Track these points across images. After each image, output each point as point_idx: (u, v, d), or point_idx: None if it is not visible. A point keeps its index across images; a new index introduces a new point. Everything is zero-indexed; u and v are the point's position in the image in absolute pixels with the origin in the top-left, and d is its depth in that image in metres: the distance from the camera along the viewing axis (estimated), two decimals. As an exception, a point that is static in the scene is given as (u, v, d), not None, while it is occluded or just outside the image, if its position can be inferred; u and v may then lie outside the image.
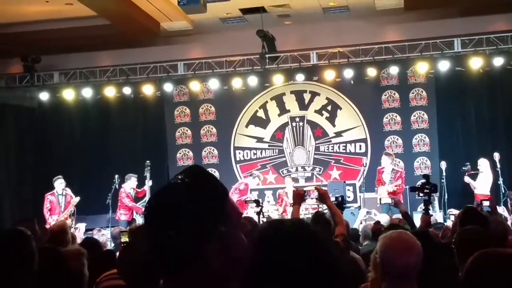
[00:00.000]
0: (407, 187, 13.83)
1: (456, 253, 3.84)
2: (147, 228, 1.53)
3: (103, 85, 15.32)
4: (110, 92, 15.33)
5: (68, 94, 15.40)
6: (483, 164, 12.61)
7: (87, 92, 15.32)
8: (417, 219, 11.24)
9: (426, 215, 5.71)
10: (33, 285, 2.96)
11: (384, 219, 9.26)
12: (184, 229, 1.45)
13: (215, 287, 1.47)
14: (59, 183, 12.92)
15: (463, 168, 12.80)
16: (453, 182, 13.27)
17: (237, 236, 1.50)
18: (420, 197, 6.14)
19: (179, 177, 1.53)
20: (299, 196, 5.49)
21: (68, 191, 12.96)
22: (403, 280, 2.91)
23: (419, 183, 6.45)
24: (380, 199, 12.26)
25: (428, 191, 5.88)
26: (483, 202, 8.21)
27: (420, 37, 13.94)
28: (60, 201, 12.79)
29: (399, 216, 7.83)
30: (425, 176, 6.26)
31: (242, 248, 1.50)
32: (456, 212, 10.35)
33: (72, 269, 3.52)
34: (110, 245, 8.95)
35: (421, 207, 13.82)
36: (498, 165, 12.58)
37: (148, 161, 13.47)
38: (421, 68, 14.06)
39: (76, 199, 12.84)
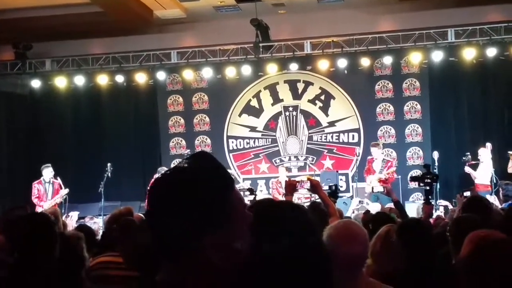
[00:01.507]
0: (400, 177, 13.93)
1: (451, 241, 3.85)
2: (148, 211, 1.49)
3: (96, 73, 15.24)
4: (102, 80, 15.25)
5: (60, 82, 15.31)
6: (483, 153, 12.60)
7: (80, 80, 15.24)
8: (409, 209, 11.31)
9: (428, 204, 5.69)
10: (55, 271, 2.95)
11: (376, 208, 9.27)
12: (184, 217, 1.41)
13: (213, 278, 1.43)
14: (47, 172, 12.82)
15: (463, 158, 12.79)
16: (445, 172, 13.30)
17: (240, 228, 1.45)
18: (421, 187, 6.12)
19: (186, 161, 1.48)
20: (291, 187, 5.46)
21: (58, 180, 12.88)
22: (349, 269, 2.91)
23: (416, 172, 6.47)
24: (372, 188, 12.25)
25: (429, 181, 5.86)
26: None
27: (414, 27, 13.95)
28: (47, 190, 12.72)
29: (390, 205, 7.85)
30: (426, 166, 6.25)
31: (244, 242, 1.46)
32: (445, 203, 10.41)
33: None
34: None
35: (413, 197, 14.02)
36: (491, 155, 12.61)
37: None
38: (415, 58, 14.07)
39: (65, 191, 12.75)
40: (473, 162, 12.69)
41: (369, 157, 13.22)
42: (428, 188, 5.87)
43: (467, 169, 12.70)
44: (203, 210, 1.40)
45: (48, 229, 3.04)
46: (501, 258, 2.19)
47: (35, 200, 12.64)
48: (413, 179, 6.46)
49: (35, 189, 12.73)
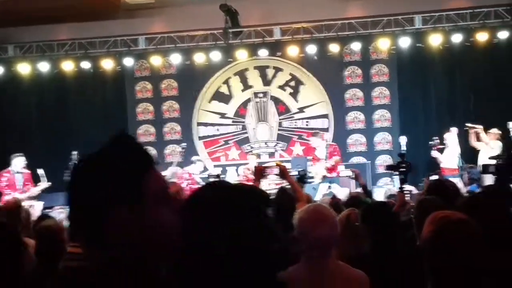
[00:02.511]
0: (369, 162, 14.04)
1: (415, 223, 3.88)
2: (67, 188, 1.49)
3: (61, 59, 15.01)
4: (68, 66, 15.03)
5: (24, 68, 15.03)
6: (450, 138, 12.75)
7: (44, 66, 14.99)
8: (377, 194, 11.39)
9: (402, 193, 5.72)
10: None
11: (344, 193, 9.33)
12: (91, 192, 1.40)
13: (119, 257, 1.40)
14: (19, 161, 12.47)
15: (430, 142, 12.91)
16: (413, 157, 13.38)
17: (151, 210, 1.42)
18: (396, 175, 6.16)
19: (105, 142, 1.49)
20: (259, 172, 5.46)
21: (35, 172, 12.60)
22: (319, 252, 2.94)
23: (385, 157, 6.51)
24: (323, 176, 12.21)
25: (404, 169, 5.90)
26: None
27: (382, 14, 14.04)
28: (16, 179, 12.43)
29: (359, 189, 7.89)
30: (401, 155, 6.29)
31: (157, 222, 1.42)
32: (410, 188, 10.51)
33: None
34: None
35: (381, 181, 14.14)
36: (457, 139, 12.77)
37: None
38: (383, 44, 14.19)
39: (46, 184, 12.44)
40: (440, 147, 12.83)
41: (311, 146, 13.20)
42: (403, 176, 5.92)
43: (434, 153, 12.84)
44: (112, 186, 1.40)
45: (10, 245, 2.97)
46: (459, 238, 2.20)
47: (4, 190, 12.32)
48: (388, 167, 6.50)
49: (5, 178, 12.40)
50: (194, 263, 1.57)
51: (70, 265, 3.65)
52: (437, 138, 12.85)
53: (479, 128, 12.59)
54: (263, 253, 1.59)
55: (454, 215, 2.39)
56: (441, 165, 12.64)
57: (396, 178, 12.64)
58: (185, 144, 14.65)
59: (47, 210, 10.56)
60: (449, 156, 12.68)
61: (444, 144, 12.81)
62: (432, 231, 2.27)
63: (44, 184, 12.23)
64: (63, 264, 3.74)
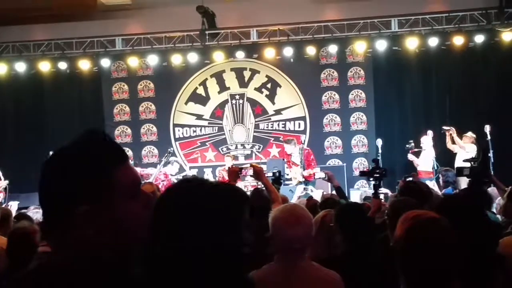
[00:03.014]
0: (345, 164, 14.12)
1: (388, 224, 3.92)
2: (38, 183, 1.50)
3: (38, 59, 14.93)
4: (44, 67, 14.94)
5: (0, 69, 14.90)
6: (425, 141, 12.91)
7: (20, 67, 14.91)
8: (353, 196, 11.45)
9: (376, 198, 5.76)
10: None
11: (319, 194, 9.37)
12: (56, 189, 1.42)
13: (86, 252, 1.41)
14: None
15: (407, 145, 13.03)
16: (388, 160, 13.51)
17: (120, 205, 1.43)
18: (370, 181, 6.17)
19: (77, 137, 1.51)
20: (234, 173, 5.46)
21: None
22: (293, 252, 2.95)
23: (361, 160, 6.53)
24: (304, 181, 12.26)
25: (378, 175, 5.92)
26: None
27: (358, 17, 14.12)
28: None
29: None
30: (375, 161, 6.29)
31: (126, 218, 1.43)
32: (385, 191, 10.61)
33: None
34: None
35: (357, 184, 14.22)
36: (432, 142, 12.91)
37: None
38: (359, 47, 14.26)
39: (4, 183, 12.40)
40: (416, 150, 12.97)
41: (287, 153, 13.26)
42: (377, 182, 5.93)
43: (410, 156, 12.98)
44: (80, 179, 1.41)
45: None
46: (430, 237, 2.23)
47: None
48: (362, 173, 6.51)
49: None
50: (165, 260, 1.57)
51: (26, 270, 3.63)
52: (412, 141, 12.98)
53: (452, 130, 12.74)
54: (233, 252, 1.60)
55: (425, 214, 2.42)
56: (418, 168, 12.78)
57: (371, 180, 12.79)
58: (172, 149, 14.68)
59: (23, 211, 10.45)
60: (425, 159, 12.83)
61: (420, 147, 12.95)
62: (403, 230, 2.30)
63: (3, 182, 12.25)
64: (33, 264, 3.72)
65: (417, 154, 13.00)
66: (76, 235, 1.40)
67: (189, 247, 1.56)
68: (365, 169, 12.07)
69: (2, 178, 12.41)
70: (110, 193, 1.42)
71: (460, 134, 12.69)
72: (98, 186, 1.41)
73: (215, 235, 1.58)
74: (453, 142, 12.78)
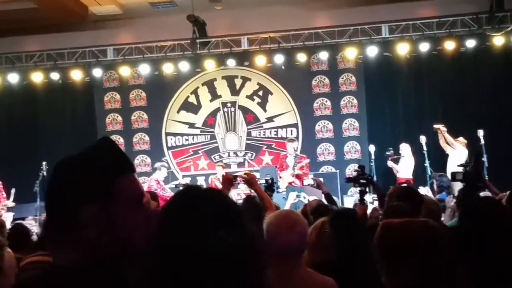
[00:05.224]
0: (338, 171, 14.14)
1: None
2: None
3: (30, 70, 14.93)
4: (37, 77, 14.94)
5: (-7, 80, 14.93)
6: (404, 148, 13.05)
7: (13, 78, 14.94)
8: (347, 203, 11.46)
9: (362, 205, 5.76)
10: None
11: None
12: (62, 192, 1.48)
13: (85, 254, 1.45)
14: None
15: (386, 153, 13.13)
16: (381, 166, 13.57)
17: (122, 212, 1.47)
18: (355, 187, 6.17)
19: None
20: (228, 181, 5.47)
21: None
22: (287, 258, 2.94)
23: (354, 167, 6.52)
24: (292, 183, 12.33)
25: (364, 181, 5.93)
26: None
27: (349, 23, 14.17)
28: None
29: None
30: (361, 167, 6.29)
31: (125, 226, 1.47)
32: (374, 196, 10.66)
33: None
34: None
35: (351, 191, 14.22)
36: (425, 148, 12.93)
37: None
38: (350, 53, 14.30)
39: (10, 203, 12.45)
40: (395, 157, 13.09)
41: (282, 154, 13.36)
42: (363, 189, 5.93)
43: (390, 163, 13.09)
44: (85, 183, 1.46)
45: None
46: (400, 239, 2.24)
47: None
48: (348, 180, 6.50)
49: None
50: (166, 270, 1.57)
51: (33, 274, 3.62)
52: (391, 149, 13.10)
53: (443, 129, 12.81)
54: (233, 263, 1.59)
55: (401, 219, 2.43)
56: (398, 175, 12.89)
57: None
58: (166, 158, 14.70)
59: (17, 222, 10.44)
60: (404, 167, 12.94)
61: (399, 154, 13.05)
62: (378, 234, 2.33)
63: (9, 203, 12.38)
64: (24, 274, 3.71)
65: (397, 161, 13.11)
66: (79, 236, 1.43)
67: (192, 259, 1.56)
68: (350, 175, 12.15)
69: (12, 197, 12.48)
70: (114, 199, 1.46)
71: (452, 138, 12.75)
72: (103, 189, 1.46)
73: (220, 246, 1.57)
74: (446, 141, 12.84)
